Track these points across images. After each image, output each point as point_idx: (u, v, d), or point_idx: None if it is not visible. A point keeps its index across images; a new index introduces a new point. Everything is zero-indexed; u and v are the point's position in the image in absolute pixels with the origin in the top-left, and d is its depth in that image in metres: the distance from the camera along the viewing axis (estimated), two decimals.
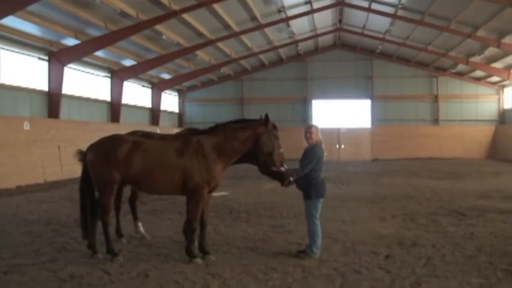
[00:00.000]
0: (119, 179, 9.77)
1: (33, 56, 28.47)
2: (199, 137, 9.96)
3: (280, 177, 9.89)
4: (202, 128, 10.53)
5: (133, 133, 11.72)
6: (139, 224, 11.89)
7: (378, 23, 40.02)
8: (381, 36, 43.02)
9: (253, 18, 35.01)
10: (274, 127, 10.03)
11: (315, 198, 9.94)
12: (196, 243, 9.95)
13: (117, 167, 9.61)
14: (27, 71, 28.25)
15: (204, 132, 10.17)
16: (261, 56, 47.16)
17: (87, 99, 34.70)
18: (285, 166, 9.84)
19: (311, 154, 9.93)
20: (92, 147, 10.11)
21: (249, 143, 9.81)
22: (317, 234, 9.90)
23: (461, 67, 46.27)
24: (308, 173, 9.86)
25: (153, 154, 9.72)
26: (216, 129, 10.13)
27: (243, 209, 16.04)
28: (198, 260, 9.49)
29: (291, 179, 9.80)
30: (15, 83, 27.08)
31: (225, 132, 9.93)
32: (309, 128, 10.23)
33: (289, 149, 11.30)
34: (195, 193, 9.61)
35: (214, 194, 11.65)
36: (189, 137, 10.11)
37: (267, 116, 9.89)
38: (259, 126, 9.87)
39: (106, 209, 9.83)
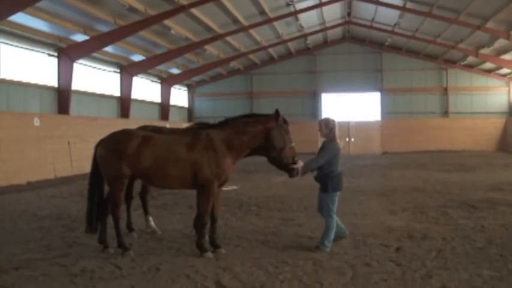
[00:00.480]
0: (129, 173, 9.77)
1: (42, 52, 28.56)
2: (208, 131, 9.90)
3: (289, 169, 9.85)
4: (211, 123, 10.53)
5: (144, 128, 11.73)
6: (150, 218, 11.91)
7: (387, 16, 39.93)
8: (390, 29, 42.93)
9: (262, 12, 34.99)
10: (285, 121, 9.98)
11: (332, 191, 10.00)
12: (207, 237, 9.97)
13: (127, 161, 9.62)
14: (37, 67, 28.35)
15: (214, 127, 10.12)
16: (270, 50, 47.14)
17: (97, 95, 34.81)
18: (298, 161, 9.81)
19: (326, 148, 10.00)
20: (101, 142, 10.12)
21: (259, 137, 9.78)
22: (332, 228, 9.99)
23: (470, 59, 46.13)
24: (325, 167, 9.96)
25: (163, 148, 9.68)
26: (225, 124, 10.08)
27: (253, 203, 16.05)
28: (209, 254, 9.47)
29: (299, 170, 9.80)
30: (25, 80, 27.17)
31: (235, 126, 9.88)
32: (327, 123, 10.28)
33: (299, 142, 11.22)
34: (206, 187, 9.55)
35: (225, 188, 11.67)
36: (198, 131, 10.03)
37: (277, 111, 9.87)
38: (269, 121, 9.83)
39: (117, 203, 9.85)
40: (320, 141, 10.09)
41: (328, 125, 10.20)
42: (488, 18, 33.19)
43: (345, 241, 10.52)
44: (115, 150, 9.70)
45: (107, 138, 10.12)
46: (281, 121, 9.87)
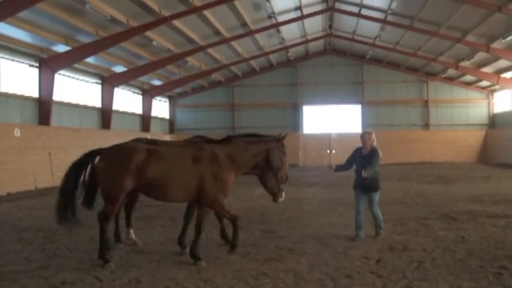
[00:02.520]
0: (131, 187, 9.80)
1: (24, 62, 28.38)
2: (213, 145, 10.38)
3: (275, 195, 10.81)
4: (211, 137, 11.32)
5: (138, 140, 11.71)
6: (131, 230, 11.89)
7: (368, 29, 40.21)
8: (371, 41, 43.24)
9: (244, 24, 35.09)
10: (282, 144, 10.81)
11: (379, 189, 12.43)
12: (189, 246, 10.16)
13: (132, 175, 9.65)
14: (18, 77, 28.15)
15: (218, 142, 10.61)
16: (252, 62, 47.21)
17: (78, 106, 34.57)
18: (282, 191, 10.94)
19: (376, 155, 12.23)
20: (103, 154, 10.06)
21: (260, 156, 10.50)
22: (380, 215, 12.46)
23: (451, 72, 46.58)
24: (376, 170, 12.20)
25: (170, 162, 9.91)
26: (229, 140, 10.57)
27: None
28: (203, 263, 9.74)
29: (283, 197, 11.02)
30: (5, 90, 26.97)
31: (238, 144, 10.42)
32: (370, 134, 12.58)
33: None
34: (214, 202, 10.03)
35: None
36: (203, 145, 10.43)
37: (284, 136, 10.90)
38: (270, 142, 10.63)
39: (109, 216, 9.84)
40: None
41: (371, 136, 12.49)
42: (468, 31, 33.51)
43: (326, 253, 10.58)
44: (120, 164, 9.68)
45: (109, 151, 10.07)
46: (281, 143, 10.75)
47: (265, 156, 10.52)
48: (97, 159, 10.09)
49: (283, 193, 10.92)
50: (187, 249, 10.29)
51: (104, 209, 9.81)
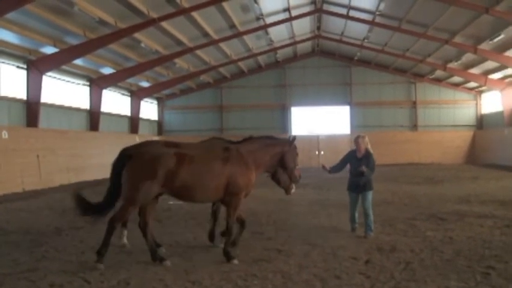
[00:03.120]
0: (158, 191, 9.89)
1: (11, 64, 28.28)
2: (237, 146, 10.90)
3: (287, 188, 11.58)
4: (228, 139, 12.13)
5: (157, 143, 11.72)
6: (125, 232, 11.87)
7: (356, 30, 40.34)
8: (359, 43, 43.39)
9: (232, 25, 35.11)
10: (294, 145, 11.51)
11: (373, 189, 13.08)
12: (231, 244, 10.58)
13: (159, 182, 9.70)
14: (6, 79, 28.03)
15: (240, 143, 11.14)
16: (240, 64, 47.29)
17: (66, 108, 34.44)
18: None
19: (372, 158, 13.01)
20: (134, 155, 9.96)
21: (277, 157, 11.17)
22: (372, 216, 12.88)
23: (439, 73, 46.79)
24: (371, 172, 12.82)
25: (202, 164, 10.17)
26: (251, 141, 11.17)
27: (222, 216, 16.00)
28: (235, 261, 10.01)
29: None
30: None
31: (259, 145, 11.08)
32: (363, 138, 13.29)
33: None
34: (234, 198, 10.39)
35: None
36: (228, 146, 10.91)
37: (294, 137, 11.53)
38: (286, 145, 11.29)
39: (122, 218, 10.03)
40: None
41: (364, 140, 13.21)
42: (456, 32, 33.67)
43: (314, 254, 10.59)
44: (150, 168, 9.69)
45: (140, 155, 9.98)
46: (294, 146, 11.43)
47: (281, 157, 11.17)
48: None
49: (294, 185, 11.64)
50: (222, 245, 10.77)
51: (122, 211, 9.80)
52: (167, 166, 9.72)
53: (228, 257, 10.10)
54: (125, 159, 9.89)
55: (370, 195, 12.99)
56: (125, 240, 11.80)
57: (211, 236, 11.78)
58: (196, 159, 10.13)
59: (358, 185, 12.90)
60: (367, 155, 13.06)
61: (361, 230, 12.86)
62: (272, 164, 11.20)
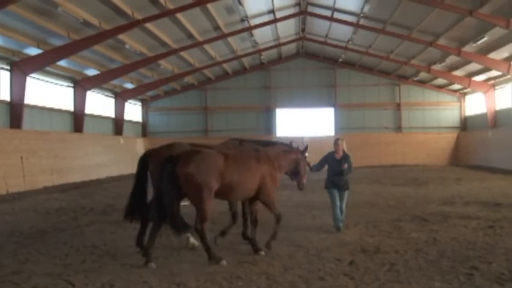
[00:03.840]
0: (216, 188, 10.34)
1: None
2: (265, 148, 11.91)
3: (299, 183, 12.66)
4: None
5: (180, 145, 11.75)
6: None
7: (341, 32, 40.45)
8: (344, 45, 43.51)
9: (217, 27, 35.07)
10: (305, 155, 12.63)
11: (350, 189, 14.19)
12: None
13: (217, 179, 10.27)
14: None
15: (265, 145, 12.38)
16: (225, 65, 47.26)
17: (50, 110, 34.21)
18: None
19: (350, 159, 13.96)
20: (187, 160, 10.14)
21: (293, 163, 12.20)
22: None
23: (423, 75, 47.08)
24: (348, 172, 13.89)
25: (243, 164, 10.88)
26: (273, 146, 12.33)
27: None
28: (262, 252, 10.81)
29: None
30: None
31: (279, 150, 12.08)
32: (342, 141, 14.35)
33: None
34: (269, 197, 11.29)
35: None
36: (257, 147, 12.07)
37: (307, 147, 12.89)
38: (300, 152, 12.43)
39: (206, 218, 10.31)
40: None
41: (343, 143, 14.25)
42: (440, 35, 33.84)
43: (299, 255, 10.61)
44: (207, 168, 10.16)
45: (192, 157, 10.25)
46: (305, 153, 12.59)
47: (296, 163, 12.23)
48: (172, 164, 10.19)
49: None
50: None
51: (202, 212, 10.19)
52: (220, 165, 10.33)
53: (270, 245, 11.34)
54: (174, 160, 10.16)
55: (347, 194, 14.13)
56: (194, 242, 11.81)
57: (245, 235, 12.23)
58: (238, 160, 10.84)
59: (339, 184, 13.90)
60: (346, 156, 13.98)
61: (344, 230, 12.88)
62: (287, 168, 12.15)
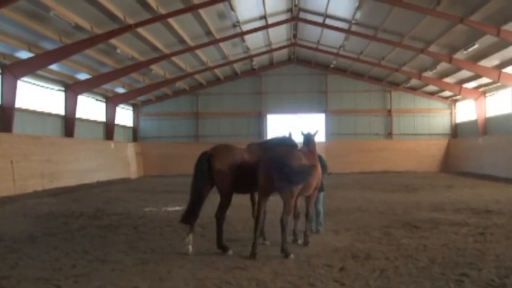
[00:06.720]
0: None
1: None
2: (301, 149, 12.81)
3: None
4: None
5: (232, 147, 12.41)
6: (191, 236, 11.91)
7: (332, 38, 40.52)
8: (335, 51, 43.61)
9: (208, 32, 35.09)
10: None
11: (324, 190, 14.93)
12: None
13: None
14: None
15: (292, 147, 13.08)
16: (216, 71, 47.30)
17: (41, 114, 34.14)
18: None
19: (323, 160, 14.63)
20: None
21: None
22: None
23: (414, 82, 47.23)
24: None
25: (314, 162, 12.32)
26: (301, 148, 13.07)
27: (197, 223, 15.94)
28: (292, 256, 10.94)
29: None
30: None
31: (309, 152, 12.93)
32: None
33: None
34: (314, 192, 12.76)
35: (169, 209, 11.61)
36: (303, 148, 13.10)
37: (320, 156, 13.79)
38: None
39: (292, 211, 11.64)
40: None
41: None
42: (431, 42, 33.99)
43: (289, 261, 10.58)
44: (267, 171, 11.11)
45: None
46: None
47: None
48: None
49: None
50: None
51: (290, 206, 11.37)
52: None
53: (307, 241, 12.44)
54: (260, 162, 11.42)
55: (322, 195, 14.88)
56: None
57: (295, 234, 12.96)
58: (307, 158, 12.00)
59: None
60: (320, 158, 14.22)
61: (333, 236, 12.87)
62: None
